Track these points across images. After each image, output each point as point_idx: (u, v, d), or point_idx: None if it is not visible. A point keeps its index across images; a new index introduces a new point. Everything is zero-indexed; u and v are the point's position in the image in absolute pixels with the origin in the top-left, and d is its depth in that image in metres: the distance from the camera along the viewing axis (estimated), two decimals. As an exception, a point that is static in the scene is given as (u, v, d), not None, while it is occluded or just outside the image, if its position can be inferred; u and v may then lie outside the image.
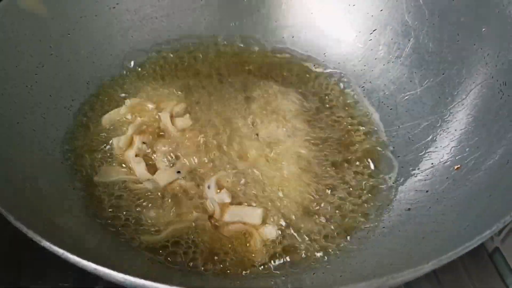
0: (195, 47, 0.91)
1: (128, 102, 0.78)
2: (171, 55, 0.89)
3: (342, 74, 0.87)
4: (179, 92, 0.81)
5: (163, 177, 0.69)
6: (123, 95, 0.81)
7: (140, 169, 0.70)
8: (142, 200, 0.67)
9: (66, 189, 0.67)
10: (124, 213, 0.66)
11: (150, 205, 0.67)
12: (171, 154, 0.72)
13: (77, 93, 0.78)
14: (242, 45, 0.92)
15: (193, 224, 0.65)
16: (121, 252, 0.62)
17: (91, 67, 0.82)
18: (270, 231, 0.65)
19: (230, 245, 0.64)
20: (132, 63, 0.86)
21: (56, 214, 0.61)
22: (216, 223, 0.66)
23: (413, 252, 0.57)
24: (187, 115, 0.76)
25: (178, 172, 0.70)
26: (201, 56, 0.90)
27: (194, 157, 0.71)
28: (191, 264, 0.62)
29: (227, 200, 0.67)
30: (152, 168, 0.71)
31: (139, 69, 0.86)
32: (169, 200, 0.67)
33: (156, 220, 0.65)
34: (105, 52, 0.84)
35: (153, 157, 0.72)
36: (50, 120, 0.72)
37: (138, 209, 0.67)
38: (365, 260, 0.61)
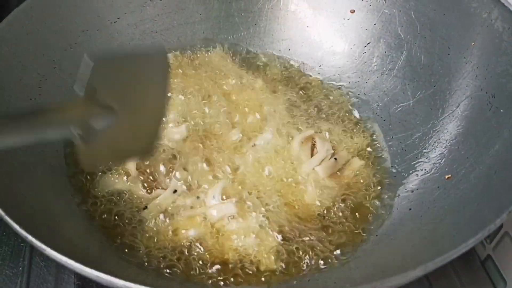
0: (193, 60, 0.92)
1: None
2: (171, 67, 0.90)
3: (338, 86, 0.89)
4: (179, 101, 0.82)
5: (160, 202, 0.69)
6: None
7: (137, 189, 0.71)
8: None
9: (69, 199, 0.69)
10: (125, 222, 0.67)
11: (151, 216, 0.68)
12: (169, 166, 0.72)
13: (79, 105, 0.80)
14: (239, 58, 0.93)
15: (196, 234, 0.66)
16: (123, 261, 0.63)
17: (93, 80, 0.83)
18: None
19: (235, 256, 0.64)
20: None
21: (58, 224, 0.62)
22: (220, 234, 0.66)
23: (404, 259, 0.59)
24: (184, 125, 0.77)
25: (175, 191, 0.69)
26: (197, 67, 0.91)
27: (191, 168, 0.72)
28: (193, 274, 0.63)
29: (233, 210, 0.66)
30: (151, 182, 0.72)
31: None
32: (170, 213, 0.68)
33: (158, 231, 0.66)
34: (106, 66, 0.85)
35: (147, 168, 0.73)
36: (53, 133, 0.74)
37: (139, 219, 0.68)
38: (358, 268, 0.62)
